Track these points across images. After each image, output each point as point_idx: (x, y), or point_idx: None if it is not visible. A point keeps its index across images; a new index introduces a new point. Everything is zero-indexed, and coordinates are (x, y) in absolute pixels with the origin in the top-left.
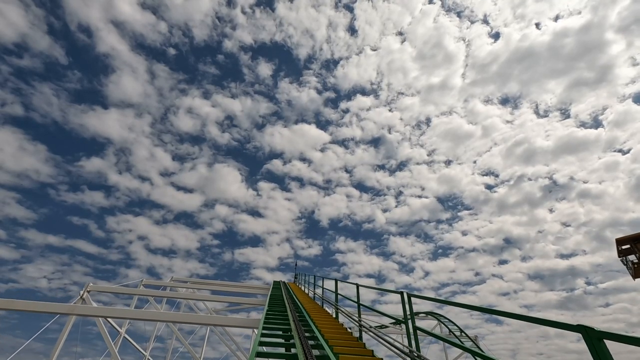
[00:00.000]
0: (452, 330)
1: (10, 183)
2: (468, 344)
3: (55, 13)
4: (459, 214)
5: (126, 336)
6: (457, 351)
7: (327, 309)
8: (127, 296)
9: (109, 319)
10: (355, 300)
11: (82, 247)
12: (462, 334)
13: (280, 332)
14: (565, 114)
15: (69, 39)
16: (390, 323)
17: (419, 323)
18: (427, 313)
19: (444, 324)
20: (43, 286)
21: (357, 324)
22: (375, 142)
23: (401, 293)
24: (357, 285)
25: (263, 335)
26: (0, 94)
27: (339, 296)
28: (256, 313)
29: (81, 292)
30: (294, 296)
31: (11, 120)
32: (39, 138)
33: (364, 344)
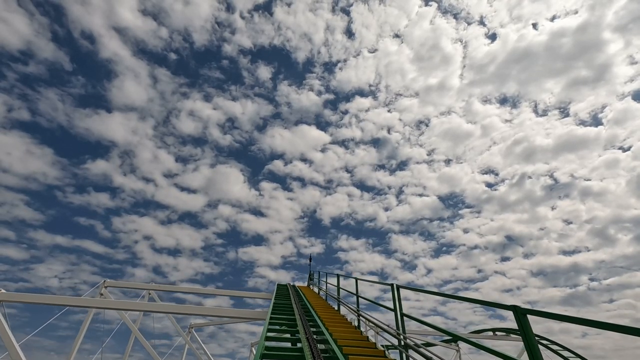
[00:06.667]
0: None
1: (18, 186)
2: None
3: (59, 21)
4: (460, 212)
5: (138, 333)
6: None
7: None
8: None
9: (125, 312)
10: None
11: (90, 247)
12: None
13: None
14: (564, 113)
15: (73, 45)
16: (442, 341)
17: (489, 344)
18: (507, 331)
19: (554, 352)
20: (54, 285)
21: (398, 342)
22: (375, 142)
23: (514, 308)
24: (394, 286)
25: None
26: (7, 100)
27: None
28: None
29: (99, 289)
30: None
31: (18, 125)
32: (45, 142)
33: None
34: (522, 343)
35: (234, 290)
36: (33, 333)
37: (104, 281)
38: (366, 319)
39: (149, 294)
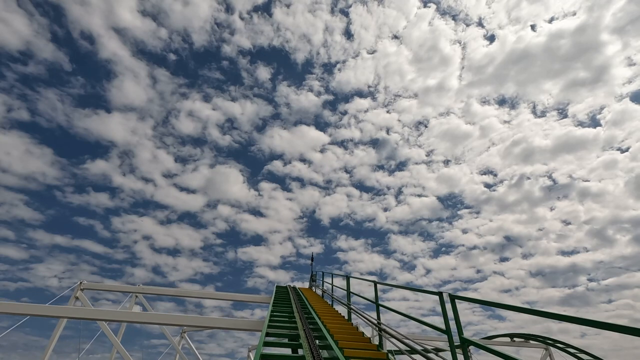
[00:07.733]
0: None
1: (17, 185)
2: None
3: (59, 21)
4: (459, 212)
5: (119, 344)
6: None
7: None
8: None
9: (105, 322)
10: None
11: (89, 247)
12: None
13: None
14: (563, 114)
15: (72, 46)
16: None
17: (510, 351)
18: (527, 336)
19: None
20: (54, 285)
21: None
22: (374, 143)
23: None
24: (445, 295)
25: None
26: (6, 100)
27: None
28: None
29: (74, 291)
30: None
31: (18, 125)
32: (45, 142)
33: None
34: (542, 350)
35: (228, 293)
36: None
37: (80, 282)
38: (394, 336)
39: (136, 297)
